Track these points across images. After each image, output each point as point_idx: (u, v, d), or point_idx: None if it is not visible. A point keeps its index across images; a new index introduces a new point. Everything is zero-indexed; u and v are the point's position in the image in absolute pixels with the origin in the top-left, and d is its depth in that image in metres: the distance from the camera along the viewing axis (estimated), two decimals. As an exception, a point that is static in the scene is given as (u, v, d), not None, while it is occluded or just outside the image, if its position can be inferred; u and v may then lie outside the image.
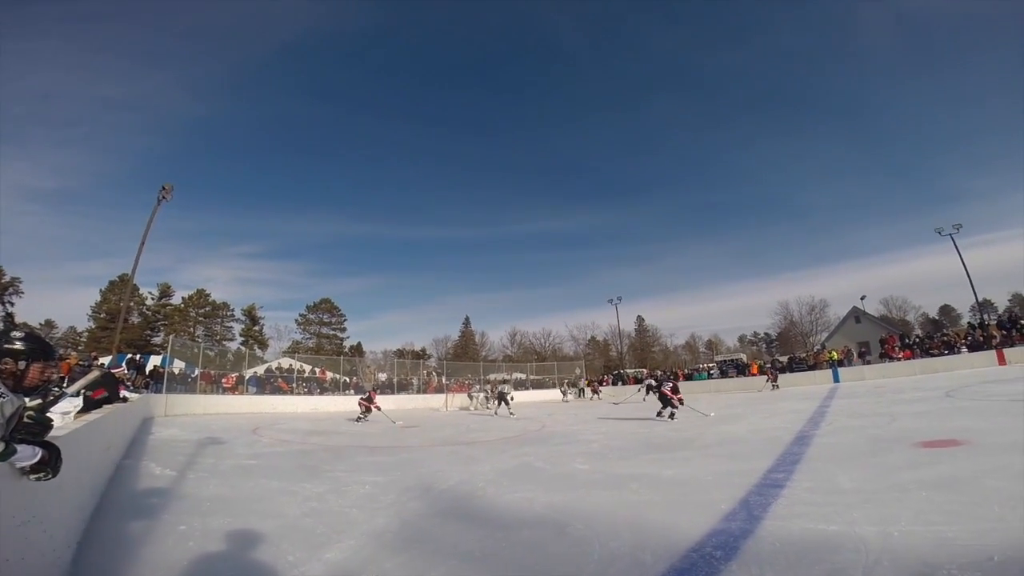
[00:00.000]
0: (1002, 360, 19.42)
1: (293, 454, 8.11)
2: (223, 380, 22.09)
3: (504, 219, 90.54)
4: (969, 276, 28.34)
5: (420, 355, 55.63)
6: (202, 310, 51.99)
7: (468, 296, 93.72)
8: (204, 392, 20.03)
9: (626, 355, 54.64)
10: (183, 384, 19.90)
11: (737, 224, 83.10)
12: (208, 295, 52.83)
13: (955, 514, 3.10)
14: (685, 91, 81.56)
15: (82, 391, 6.95)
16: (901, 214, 73.09)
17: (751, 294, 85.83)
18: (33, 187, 60.16)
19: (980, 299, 31.67)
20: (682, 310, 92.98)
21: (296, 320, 55.73)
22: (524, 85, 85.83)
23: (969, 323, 33.77)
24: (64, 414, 5.80)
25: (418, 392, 27.59)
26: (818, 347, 39.66)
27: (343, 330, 57.29)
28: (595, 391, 27.94)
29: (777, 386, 22.24)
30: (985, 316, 33.58)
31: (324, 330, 56.19)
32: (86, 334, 46.66)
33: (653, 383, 22.65)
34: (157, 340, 46.75)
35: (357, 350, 55.61)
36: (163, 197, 20.18)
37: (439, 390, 27.36)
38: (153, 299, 50.69)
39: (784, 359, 32.15)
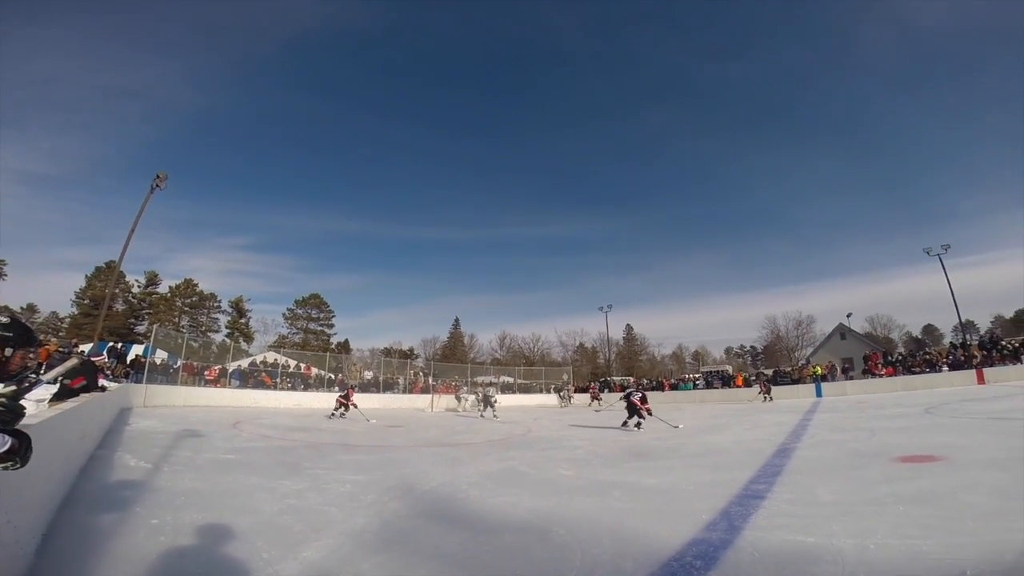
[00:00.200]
0: (981, 379, 19.80)
1: (273, 450, 7.99)
2: (206, 372, 21.76)
3: (499, 222, 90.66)
4: (954, 297, 28.86)
5: (408, 355, 55.31)
6: (188, 300, 51.28)
7: (459, 297, 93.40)
8: (185, 384, 19.69)
9: (613, 363, 54.80)
10: (164, 375, 19.56)
11: (729, 236, 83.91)
12: (196, 285, 52.15)
13: (931, 528, 3.13)
14: (684, 100, 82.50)
15: (59, 379, 6.80)
16: (891, 233, 74.34)
17: (739, 307, 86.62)
18: (24, 171, 59.15)
19: (963, 320, 32.25)
20: (671, 320, 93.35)
21: (283, 314, 55.16)
22: (525, 88, 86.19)
23: (951, 343, 34.37)
24: (38, 401, 5.68)
25: (404, 392, 27.41)
26: (803, 362, 40.18)
27: (331, 326, 56.84)
28: (595, 397, 27.33)
29: (771, 398, 22.16)
30: (967, 336, 34.21)
31: (311, 325, 55.68)
32: (68, 320, 45.79)
33: (633, 391, 22.82)
34: (141, 329, 46.00)
35: (344, 347, 55.20)
36: (157, 185, 19.94)
37: (425, 391, 27.20)
38: (139, 287, 49.89)
39: (769, 372, 32.44)
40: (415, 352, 59.17)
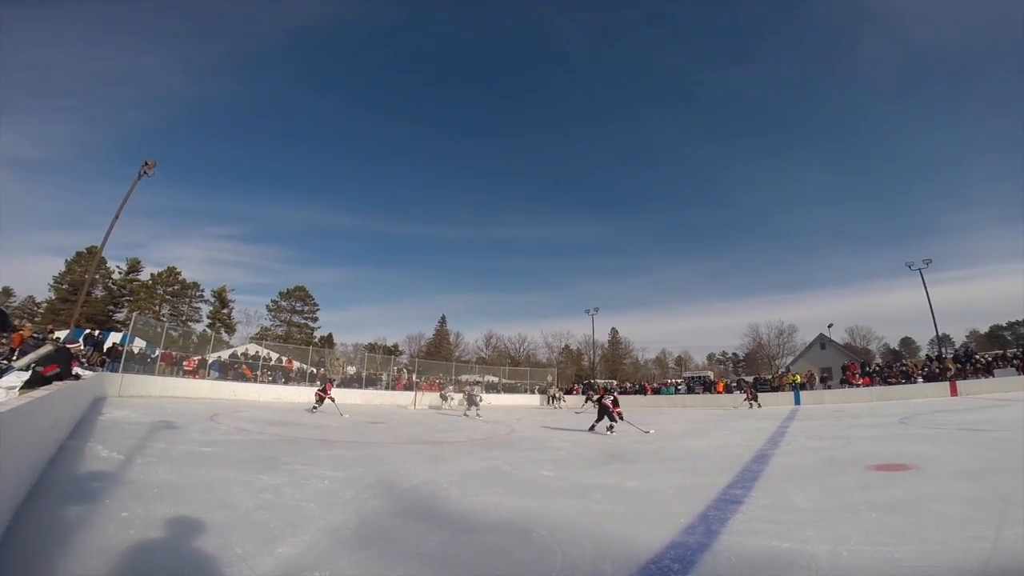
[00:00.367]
0: (954, 392, 20.33)
1: (250, 443, 7.87)
2: (185, 363, 21.37)
3: (491, 222, 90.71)
4: (932, 311, 29.56)
5: (392, 351, 55.00)
6: (171, 288, 50.32)
7: (447, 295, 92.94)
8: (163, 374, 19.34)
9: (598, 365, 55.09)
10: (142, 364, 19.16)
11: (716, 244, 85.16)
12: (179, 273, 51.24)
13: (902, 536, 3.19)
14: (680, 106, 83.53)
15: (32, 366, 6.62)
16: (874, 246, 76.07)
17: (723, 314, 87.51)
18: (10, 155, 57.56)
19: (940, 333, 33.06)
20: (656, 325, 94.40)
21: (267, 306, 54.48)
22: (524, 89, 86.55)
23: (927, 355, 35.21)
24: (8, 388, 5.52)
25: (387, 388, 27.21)
26: (783, 370, 40.81)
27: (315, 320, 56.26)
28: (590, 399, 27.09)
29: (759, 404, 21.98)
30: (943, 350, 35.08)
31: (295, 318, 55.05)
32: (45, 305, 44.59)
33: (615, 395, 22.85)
34: (120, 316, 45.04)
35: (327, 341, 54.65)
36: (145, 172, 19.59)
37: (408, 387, 27.05)
38: (121, 273, 48.79)
39: (750, 379, 32.91)
40: (399, 348, 58.89)
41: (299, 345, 37.90)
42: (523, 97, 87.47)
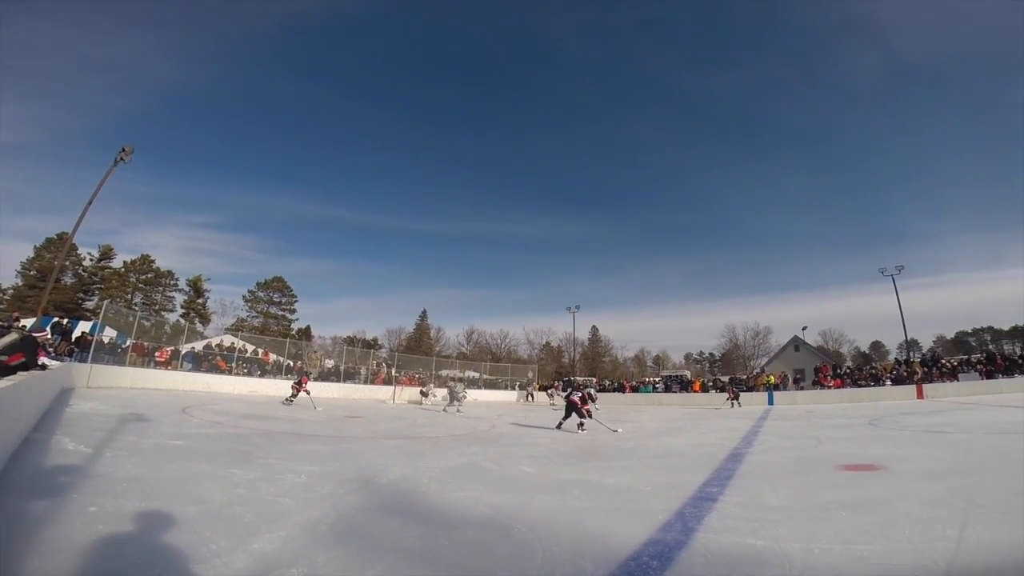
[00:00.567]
0: (920, 394, 21.07)
1: (224, 437, 7.71)
2: (157, 353, 20.80)
3: (475, 216, 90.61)
4: (903, 316, 30.49)
5: (371, 344, 54.46)
6: (144, 276, 48.91)
7: (428, 289, 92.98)
8: (134, 365, 18.81)
9: (578, 363, 55.48)
10: (112, 354, 18.59)
11: (695, 246, 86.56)
12: (152, 261, 49.88)
13: (870, 534, 3.29)
14: (662, 110, 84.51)
15: (-7, 354, 6.36)
16: (849, 251, 78.33)
17: (701, 315, 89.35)
18: None
19: (908, 338, 34.14)
20: (635, 323, 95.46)
21: (244, 296, 53.47)
22: (510, 86, 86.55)
23: (896, 359, 36.39)
24: (-32, 377, 5.29)
25: (365, 382, 26.95)
26: (757, 370, 41.69)
27: (293, 311, 55.43)
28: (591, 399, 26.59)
29: (739, 404, 22.21)
30: (911, 354, 36.26)
31: (272, 310, 54.15)
32: (11, 291, 42.85)
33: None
34: (90, 304, 43.64)
35: (305, 333, 53.90)
36: (121, 159, 18.97)
37: (388, 382, 26.85)
38: (92, 260, 47.18)
39: (725, 379, 33.56)
40: (379, 342, 58.35)
41: (276, 337, 37.27)
42: (510, 94, 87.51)
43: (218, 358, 23.11)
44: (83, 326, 21.95)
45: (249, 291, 53.81)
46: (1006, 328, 62.47)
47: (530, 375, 35.98)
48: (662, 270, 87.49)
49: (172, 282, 50.85)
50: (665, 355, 68.72)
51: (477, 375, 33.32)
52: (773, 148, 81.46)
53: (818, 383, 26.93)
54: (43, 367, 8.32)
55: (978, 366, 23.76)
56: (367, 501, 4.31)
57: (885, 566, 2.69)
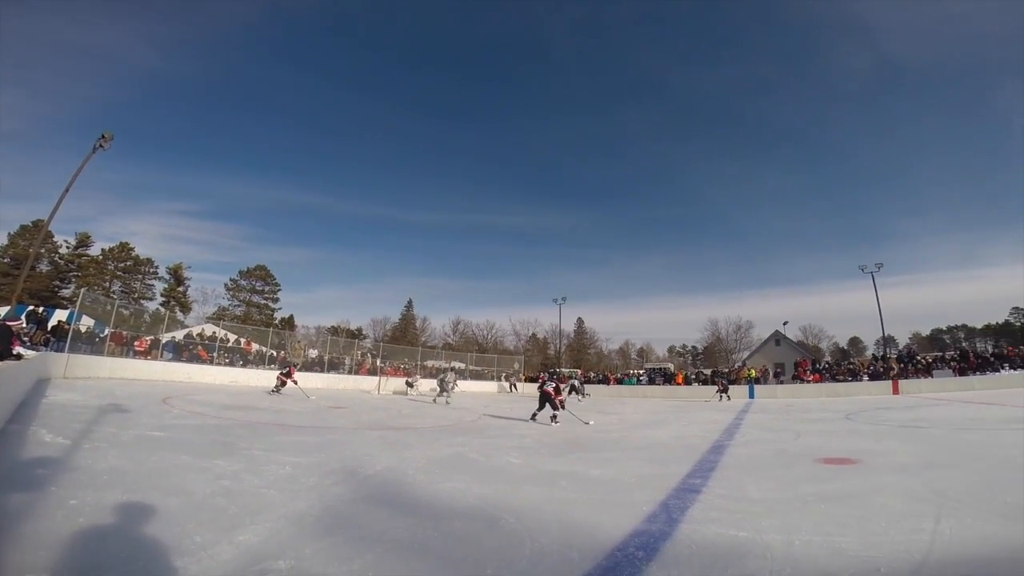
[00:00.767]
0: (896, 390, 21.66)
1: (206, 428, 7.60)
2: (136, 343, 20.37)
3: (461, 207, 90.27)
4: (881, 313, 31.21)
5: (355, 334, 54.12)
6: (122, 264, 47.75)
7: (414, 279, 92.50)
8: (112, 354, 18.38)
9: (563, 354, 55.82)
10: (89, 344, 18.15)
11: (681, 240, 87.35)
12: (131, 249, 48.67)
13: (848, 527, 3.37)
14: (653, 104, 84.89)
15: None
16: (830, 249, 79.80)
17: (685, 308, 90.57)
18: None
19: (886, 334, 35.01)
20: (620, 316, 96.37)
21: (226, 284, 52.63)
22: (501, 76, 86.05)
23: (873, 355, 37.27)
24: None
25: (350, 373, 26.78)
26: (739, 364, 42.42)
27: (276, 300, 54.76)
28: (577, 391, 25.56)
29: (728, 397, 22.37)
30: (888, 350, 37.18)
31: (255, 298, 53.38)
32: (-17, 279, 41.54)
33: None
34: (66, 293, 42.53)
35: (288, 323, 53.30)
36: (100, 145, 18.44)
37: (372, 372, 26.72)
38: (68, 248, 45.89)
39: (708, 372, 34.08)
40: (364, 332, 58.02)
41: (258, 326, 36.82)
42: (499, 84, 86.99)
43: (199, 348, 22.74)
44: (59, 315, 21.35)
45: (231, 279, 53.02)
46: (979, 326, 64.61)
47: (516, 366, 36.12)
48: (647, 263, 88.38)
49: (152, 270, 49.83)
50: (649, 348, 69.60)
51: (463, 366, 33.32)
52: (759, 145, 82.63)
53: (798, 377, 27.51)
54: (18, 357, 8.11)
55: (952, 363, 24.48)
56: (353, 492, 4.30)
57: (863, 558, 2.77)
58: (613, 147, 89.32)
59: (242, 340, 26.63)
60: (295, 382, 16.12)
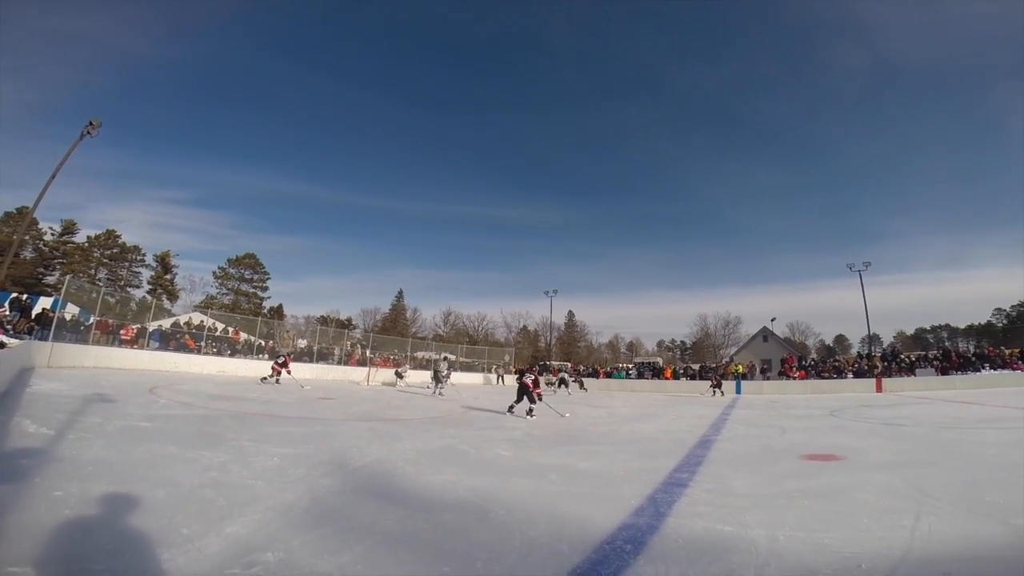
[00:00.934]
0: (880, 388, 22.04)
1: (194, 418, 7.53)
2: (122, 331, 20.07)
3: (453, 198, 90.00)
4: (867, 311, 31.64)
5: (345, 324, 53.86)
6: (109, 252, 46.96)
7: (405, 269, 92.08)
8: (98, 343, 18.10)
9: (554, 347, 56.03)
10: (74, 332, 17.84)
11: (671, 236, 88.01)
12: (118, 236, 47.87)
13: (831, 523, 3.44)
14: (648, 100, 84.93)
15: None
16: (818, 247, 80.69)
17: (674, 303, 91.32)
18: None
19: (871, 333, 35.54)
20: (611, 310, 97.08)
21: (214, 273, 52.01)
22: (495, 69, 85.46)
23: (858, 353, 37.85)
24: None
25: (339, 363, 26.66)
26: (727, 359, 42.85)
27: (265, 289, 54.30)
28: (575, 382, 25.65)
29: (722, 392, 22.63)
30: (872, 348, 37.75)
31: (244, 287, 52.85)
32: (-35, 267, 40.63)
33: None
34: (51, 280, 41.80)
35: (277, 312, 52.88)
36: (88, 132, 18.11)
37: (362, 363, 26.63)
38: (54, 235, 45.01)
39: (696, 367, 34.42)
40: (353, 323, 57.74)
41: (247, 315, 36.41)
42: (495, 77, 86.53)
43: (186, 337, 22.50)
44: (44, 302, 20.94)
45: (219, 267, 52.40)
46: (962, 326, 65.82)
47: (507, 358, 36.22)
48: (638, 258, 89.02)
49: (138, 257, 49.10)
50: (639, 342, 70.11)
51: (454, 357, 33.32)
52: (753, 142, 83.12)
53: (784, 374, 27.89)
54: (1, 345, 7.96)
55: (934, 362, 24.95)
56: (342, 484, 4.29)
57: (845, 554, 2.82)
58: (607, 142, 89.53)
59: (230, 329, 26.37)
60: (289, 372, 16.40)
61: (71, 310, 19.53)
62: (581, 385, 26.16)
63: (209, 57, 75.12)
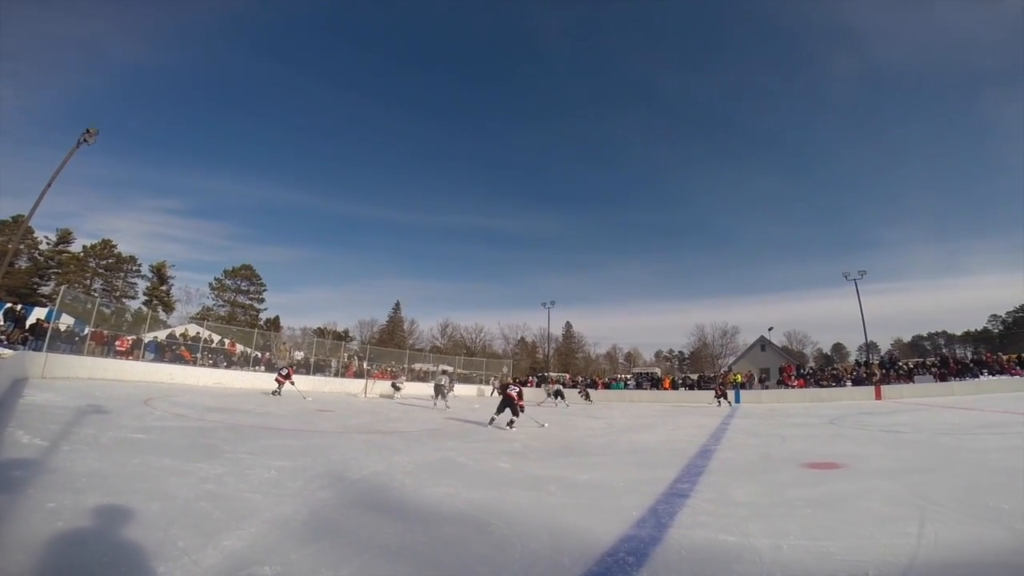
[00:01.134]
0: (879, 395, 22.02)
1: (189, 430, 7.45)
2: (117, 342, 19.91)
3: (450, 209, 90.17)
4: (863, 319, 31.65)
5: (342, 336, 53.64)
6: (104, 262, 46.79)
7: (401, 281, 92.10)
8: (93, 354, 17.95)
9: (552, 359, 55.86)
10: (69, 343, 17.71)
11: (668, 246, 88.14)
12: (114, 246, 47.75)
13: (834, 531, 3.41)
14: (646, 108, 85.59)
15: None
16: (814, 255, 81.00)
17: (672, 313, 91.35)
18: None
19: (868, 340, 35.56)
20: (608, 320, 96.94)
21: (210, 284, 51.84)
22: (490, 77, 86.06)
23: (856, 360, 37.87)
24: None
25: (336, 375, 26.50)
26: (725, 369, 42.82)
27: (261, 300, 54.11)
28: (581, 393, 25.93)
29: (728, 402, 22.43)
30: (870, 356, 37.78)
31: (240, 298, 52.67)
32: (-44, 276, 40.40)
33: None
34: (46, 290, 41.55)
35: (274, 324, 52.70)
36: (85, 140, 18.07)
37: (359, 375, 26.46)
38: (49, 244, 44.86)
39: (694, 377, 34.35)
40: (350, 335, 57.52)
41: (243, 327, 36.28)
42: (489, 86, 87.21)
43: (182, 348, 22.33)
44: (38, 313, 20.81)
45: (216, 279, 52.24)
46: (959, 333, 66.00)
47: (504, 370, 36.06)
48: (636, 268, 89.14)
49: (134, 268, 48.93)
50: (637, 352, 70.00)
51: (452, 369, 33.17)
52: (748, 151, 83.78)
53: (782, 383, 27.87)
54: (-6, 355, 7.88)
55: (932, 369, 24.99)
56: (340, 497, 4.24)
57: (851, 562, 2.79)
58: (603, 151, 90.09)
59: (226, 341, 26.20)
60: (292, 383, 16.70)
61: (66, 321, 19.41)
62: (587, 396, 26.00)
63: (206, 64, 75.52)
